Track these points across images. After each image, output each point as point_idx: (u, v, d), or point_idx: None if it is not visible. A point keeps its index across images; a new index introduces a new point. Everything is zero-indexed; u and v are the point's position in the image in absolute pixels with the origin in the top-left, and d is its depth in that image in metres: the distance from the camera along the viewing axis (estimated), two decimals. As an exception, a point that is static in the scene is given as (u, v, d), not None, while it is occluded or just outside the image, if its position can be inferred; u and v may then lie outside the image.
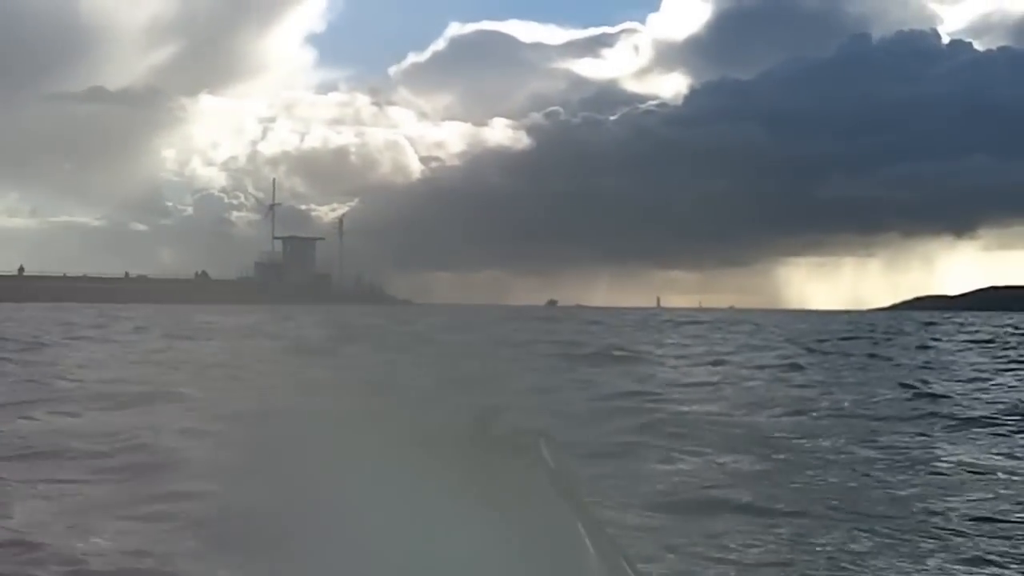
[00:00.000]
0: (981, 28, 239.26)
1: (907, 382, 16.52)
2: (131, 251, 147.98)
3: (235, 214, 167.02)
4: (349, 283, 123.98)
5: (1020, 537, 6.33)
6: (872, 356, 25.55)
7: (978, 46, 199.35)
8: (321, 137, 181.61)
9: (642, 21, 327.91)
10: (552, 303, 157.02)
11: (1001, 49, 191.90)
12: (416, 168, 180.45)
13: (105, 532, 5.93)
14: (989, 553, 5.96)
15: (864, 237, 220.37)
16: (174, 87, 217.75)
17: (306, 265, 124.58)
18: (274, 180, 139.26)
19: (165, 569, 5.22)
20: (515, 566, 2.33)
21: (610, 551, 2.24)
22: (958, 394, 15.02)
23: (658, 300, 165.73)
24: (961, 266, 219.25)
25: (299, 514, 3.22)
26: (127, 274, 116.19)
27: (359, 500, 2.91)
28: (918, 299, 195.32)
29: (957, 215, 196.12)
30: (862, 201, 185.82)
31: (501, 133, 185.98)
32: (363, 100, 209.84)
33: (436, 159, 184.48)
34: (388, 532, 2.65)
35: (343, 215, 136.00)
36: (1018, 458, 9.42)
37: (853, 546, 6.05)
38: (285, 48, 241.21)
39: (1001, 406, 13.34)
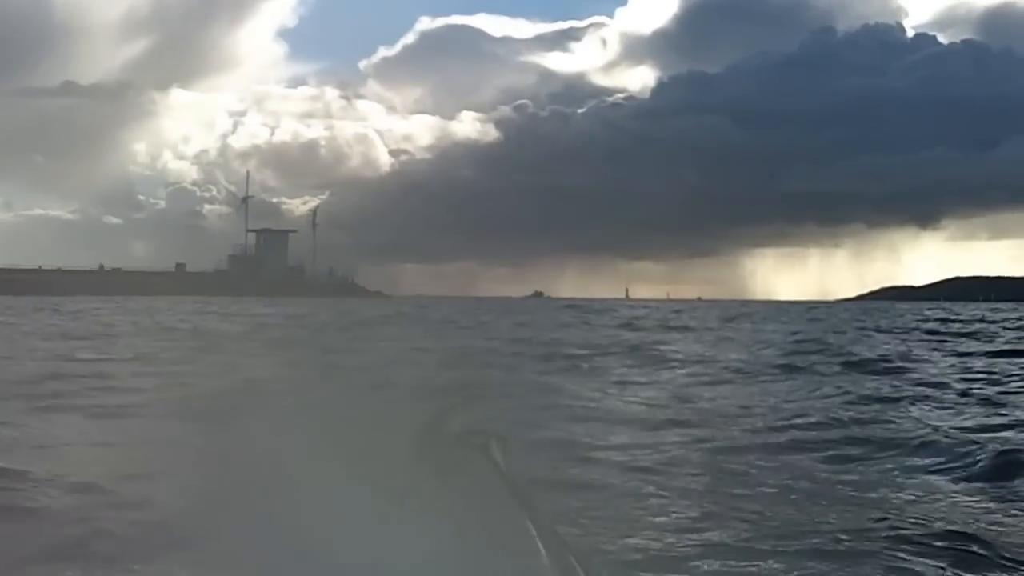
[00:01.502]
0: (946, 21, 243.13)
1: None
2: (105, 244, 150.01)
3: (207, 207, 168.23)
4: (322, 276, 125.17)
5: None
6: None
7: (943, 39, 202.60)
8: (291, 131, 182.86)
9: (610, 15, 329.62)
10: (538, 294, 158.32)
11: (965, 42, 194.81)
12: (386, 161, 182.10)
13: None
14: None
15: (830, 228, 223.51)
16: (145, 81, 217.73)
17: (279, 258, 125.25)
18: (247, 172, 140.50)
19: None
20: (467, 563, 2.36)
21: (559, 549, 2.21)
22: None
23: (627, 291, 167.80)
24: (926, 257, 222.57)
25: (252, 511, 3.41)
26: (102, 267, 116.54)
27: (312, 495, 3.05)
28: (884, 289, 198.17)
29: (921, 207, 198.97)
30: (828, 193, 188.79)
31: (470, 126, 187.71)
32: (332, 94, 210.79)
33: (405, 152, 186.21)
34: (343, 528, 2.74)
35: (316, 207, 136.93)
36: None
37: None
38: (256, 43, 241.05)
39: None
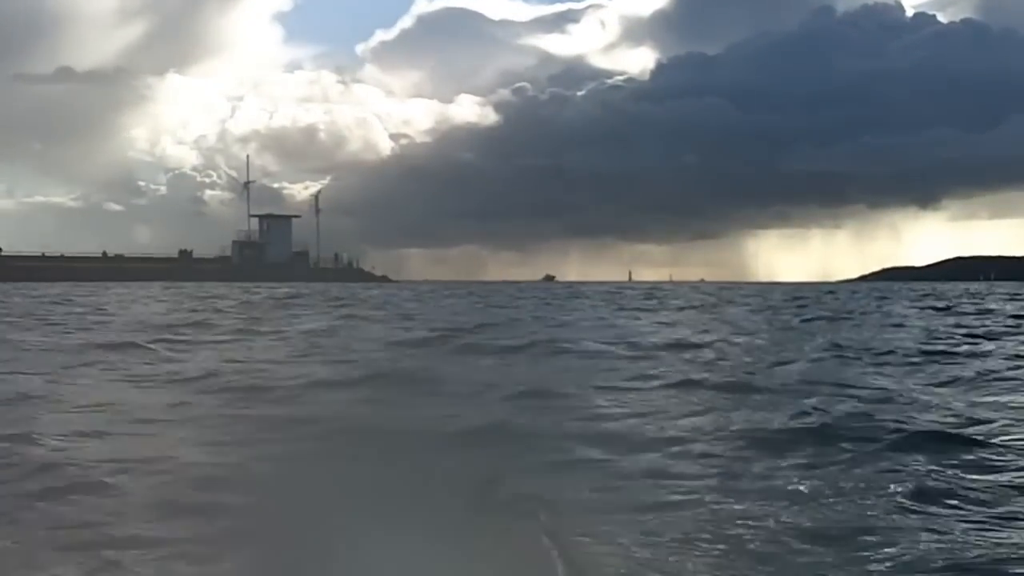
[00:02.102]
0: (945, 0, 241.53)
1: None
2: (107, 230, 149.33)
3: (208, 192, 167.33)
4: (327, 260, 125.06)
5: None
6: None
7: (942, 18, 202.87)
8: (290, 115, 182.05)
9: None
10: (549, 278, 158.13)
11: (965, 21, 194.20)
12: (386, 145, 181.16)
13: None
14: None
15: (831, 209, 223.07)
16: (141, 67, 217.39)
17: (283, 243, 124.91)
18: (247, 157, 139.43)
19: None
20: None
21: None
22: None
23: (629, 274, 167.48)
24: (928, 237, 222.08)
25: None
26: (104, 253, 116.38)
27: (368, 561, 3.01)
28: (886, 270, 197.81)
29: (922, 187, 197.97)
30: (828, 173, 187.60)
31: (469, 110, 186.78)
32: (330, 78, 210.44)
33: (405, 136, 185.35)
34: None
35: (318, 192, 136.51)
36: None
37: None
38: (251, 27, 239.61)
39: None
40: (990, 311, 33.78)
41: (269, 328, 22.87)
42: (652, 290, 70.08)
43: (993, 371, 13.06)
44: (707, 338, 19.61)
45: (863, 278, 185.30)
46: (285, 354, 15.58)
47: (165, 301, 40.66)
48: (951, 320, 27.49)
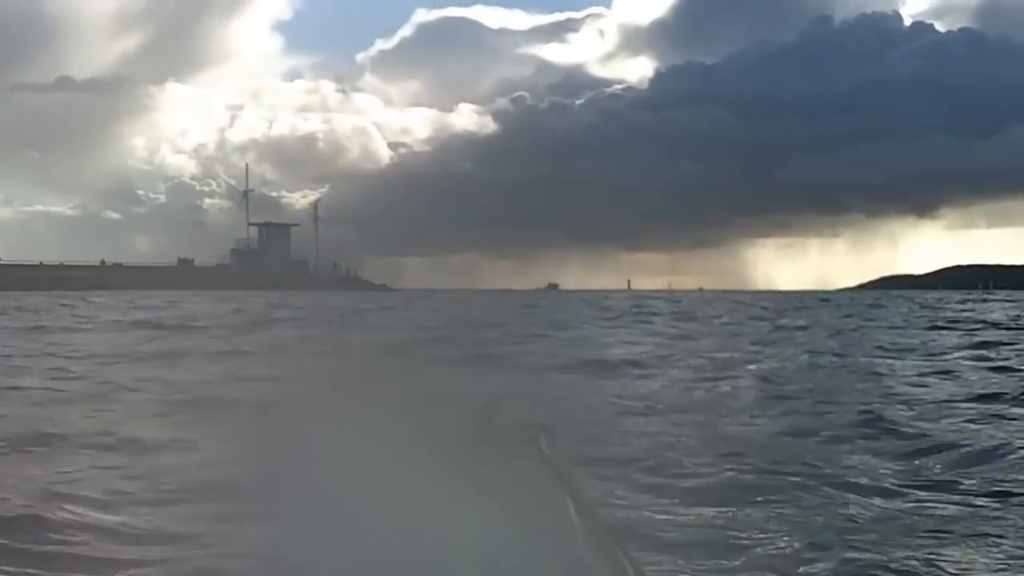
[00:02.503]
0: (943, 9, 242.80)
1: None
2: (106, 239, 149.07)
3: (207, 201, 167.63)
4: (326, 269, 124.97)
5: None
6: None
7: (940, 27, 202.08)
8: (289, 124, 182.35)
9: (607, 5, 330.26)
10: (553, 287, 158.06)
11: (963, 30, 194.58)
12: (384, 154, 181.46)
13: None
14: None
15: (829, 218, 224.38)
16: (140, 76, 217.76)
17: (282, 252, 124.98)
18: (247, 166, 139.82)
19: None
20: (516, 552, 2.44)
21: (606, 540, 2.34)
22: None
23: (629, 283, 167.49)
24: (926, 245, 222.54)
25: (307, 503, 3.40)
26: (103, 262, 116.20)
27: (367, 488, 3.08)
28: (884, 278, 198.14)
29: (920, 195, 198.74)
30: (826, 182, 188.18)
31: (468, 119, 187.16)
32: (329, 87, 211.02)
33: (404, 145, 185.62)
34: (396, 519, 2.80)
35: (317, 201, 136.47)
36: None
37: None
38: (251, 36, 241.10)
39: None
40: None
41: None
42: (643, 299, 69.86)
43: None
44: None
45: (861, 287, 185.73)
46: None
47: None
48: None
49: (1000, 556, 5.45)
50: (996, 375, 15.47)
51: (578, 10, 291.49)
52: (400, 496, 2.87)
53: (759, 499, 6.57)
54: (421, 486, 2.87)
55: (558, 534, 2.40)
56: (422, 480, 2.90)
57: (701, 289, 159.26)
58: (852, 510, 6.38)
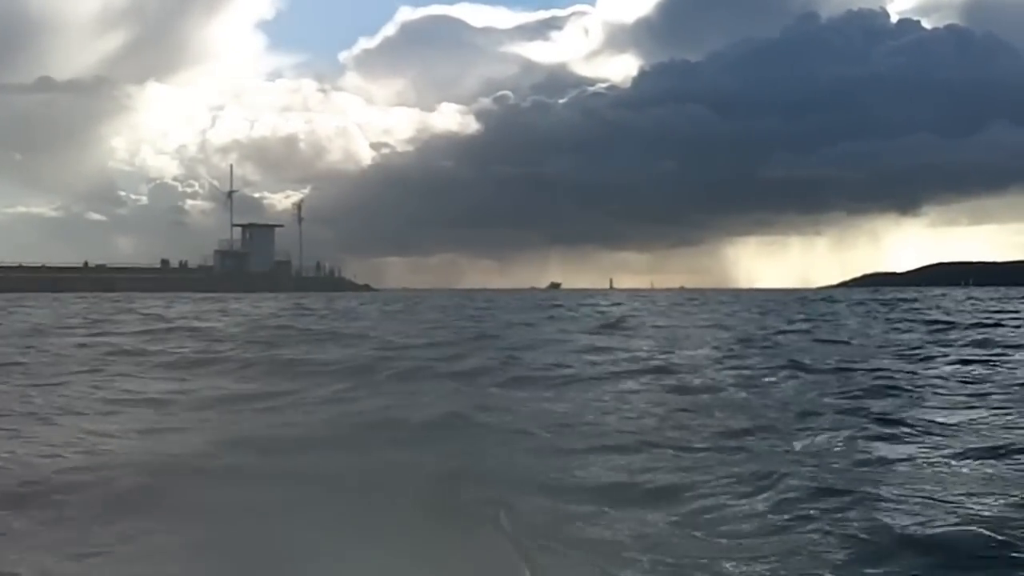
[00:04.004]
0: (930, 6, 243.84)
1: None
2: (89, 241, 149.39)
3: (189, 202, 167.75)
4: (309, 270, 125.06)
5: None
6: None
7: (926, 24, 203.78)
8: (271, 125, 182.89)
9: (592, 3, 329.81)
10: (555, 286, 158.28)
11: (949, 27, 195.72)
12: (367, 154, 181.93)
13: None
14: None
15: (811, 215, 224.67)
16: (121, 76, 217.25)
17: (266, 252, 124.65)
18: (231, 167, 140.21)
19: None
20: None
21: None
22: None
23: (611, 282, 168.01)
24: (908, 243, 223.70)
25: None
26: (86, 263, 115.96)
27: (323, 568, 3.05)
28: (867, 276, 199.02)
29: (902, 193, 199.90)
30: (808, 180, 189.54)
31: (450, 118, 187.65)
32: (310, 87, 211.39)
33: (386, 145, 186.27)
34: None
35: (301, 201, 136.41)
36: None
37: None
38: (234, 35, 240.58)
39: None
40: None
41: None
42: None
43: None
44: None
45: (844, 284, 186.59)
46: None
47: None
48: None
49: None
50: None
51: (563, 7, 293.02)
52: None
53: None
54: (379, 566, 2.83)
55: None
56: (380, 560, 2.85)
57: (682, 288, 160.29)
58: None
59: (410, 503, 3.39)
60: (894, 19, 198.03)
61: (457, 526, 2.97)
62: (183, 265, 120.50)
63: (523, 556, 2.63)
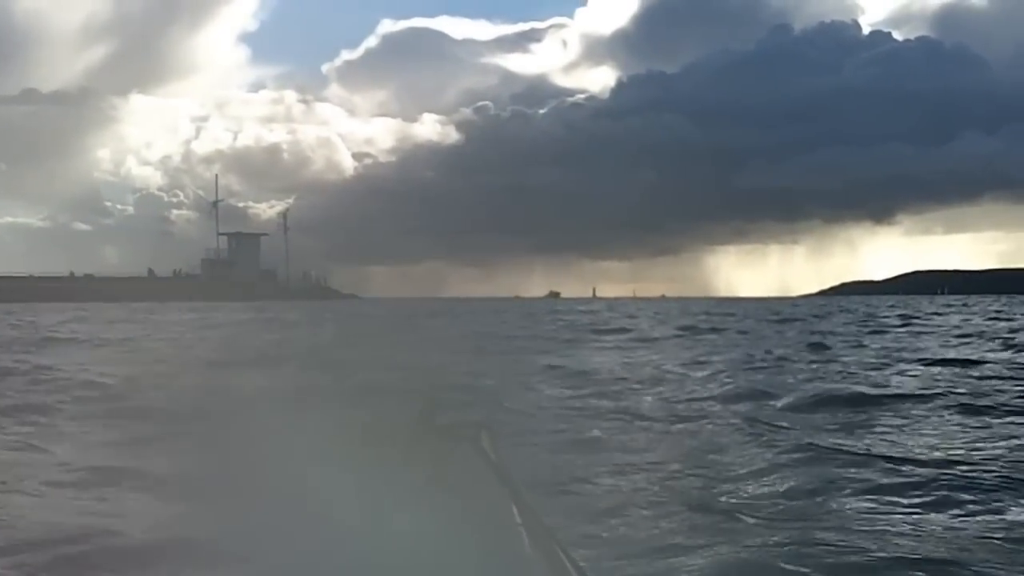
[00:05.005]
0: (901, 18, 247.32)
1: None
2: (76, 251, 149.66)
3: (175, 212, 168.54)
4: (296, 279, 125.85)
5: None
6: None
7: (898, 36, 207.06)
8: (254, 135, 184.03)
9: (570, 16, 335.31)
10: (554, 295, 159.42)
11: (920, 39, 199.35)
12: (349, 164, 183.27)
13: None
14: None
15: (788, 224, 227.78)
16: (106, 87, 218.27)
17: (252, 261, 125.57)
18: (216, 176, 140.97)
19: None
20: (458, 551, 2.40)
21: (543, 535, 2.31)
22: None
23: (594, 290, 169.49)
24: (885, 251, 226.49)
25: (255, 503, 3.48)
26: (72, 273, 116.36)
27: (313, 486, 3.12)
28: (844, 284, 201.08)
29: (877, 202, 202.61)
30: (785, 189, 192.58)
31: (431, 128, 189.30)
32: (292, 98, 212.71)
33: (369, 155, 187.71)
34: (339, 518, 2.83)
35: (286, 211, 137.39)
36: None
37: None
38: (217, 47, 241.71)
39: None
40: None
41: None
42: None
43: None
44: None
45: (822, 292, 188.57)
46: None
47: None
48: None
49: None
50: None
51: (542, 20, 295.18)
52: (342, 496, 2.90)
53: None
54: (363, 486, 2.89)
55: (500, 533, 2.37)
56: (364, 480, 2.91)
57: (663, 296, 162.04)
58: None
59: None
60: (866, 31, 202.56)
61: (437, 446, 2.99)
62: (177, 274, 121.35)
63: (502, 478, 2.63)
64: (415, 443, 2.99)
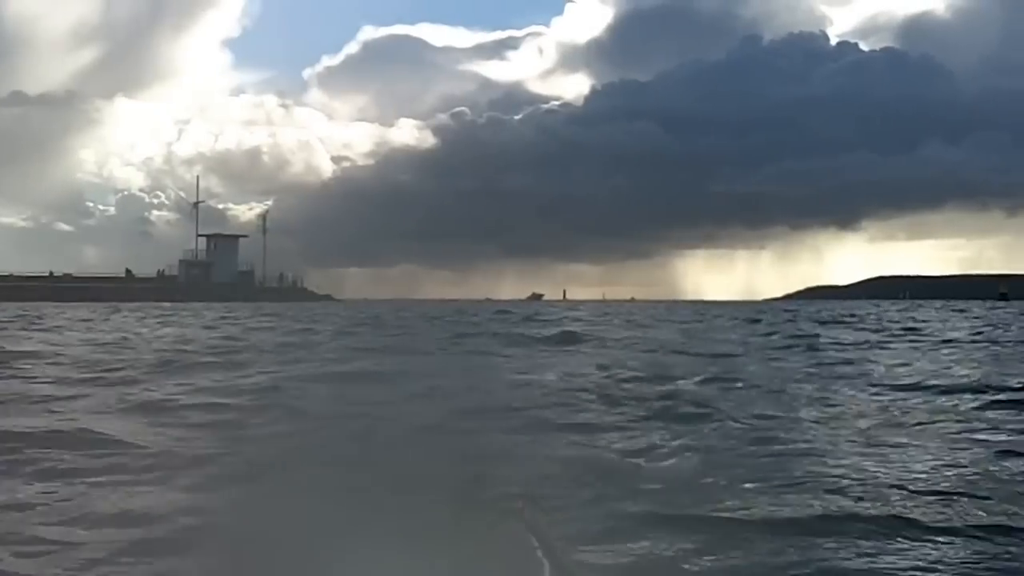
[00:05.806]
0: (868, 30, 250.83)
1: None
2: (57, 250, 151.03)
3: (155, 213, 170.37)
4: (272, 280, 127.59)
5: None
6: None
7: (864, 47, 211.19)
8: (235, 138, 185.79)
9: (546, 24, 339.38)
10: (537, 296, 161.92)
11: (885, 50, 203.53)
12: (328, 167, 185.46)
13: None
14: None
15: (755, 230, 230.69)
16: (91, 90, 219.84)
17: (230, 262, 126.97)
18: (197, 177, 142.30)
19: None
20: None
21: None
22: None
23: (564, 293, 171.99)
24: (849, 257, 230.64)
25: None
26: (51, 273, 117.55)
27: (351, 564, 3.13)
28: (809, 289, 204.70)
29: (842, 209, 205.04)
30: (753, 196, 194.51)
31: (408, 133, 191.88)
32: (272, 102, 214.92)
33: (347, 159, 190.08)
34: None
35: (265, 212, 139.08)
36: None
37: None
38: (200, 52, 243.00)
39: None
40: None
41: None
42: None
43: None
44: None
45: (787, 297, 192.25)
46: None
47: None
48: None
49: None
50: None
51: (519, 28, 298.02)
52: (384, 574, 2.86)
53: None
54: (405, 562, 2.88)
55: None
56: (407, 555, 2.90)
57: (632, 299, 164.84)
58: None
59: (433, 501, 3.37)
60: (833, 42, 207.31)
61: (481, 521, 2.94)
62: (160, 274, 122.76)
63: (546, 549, 2.51)
64: (455, 518, 3.04)
